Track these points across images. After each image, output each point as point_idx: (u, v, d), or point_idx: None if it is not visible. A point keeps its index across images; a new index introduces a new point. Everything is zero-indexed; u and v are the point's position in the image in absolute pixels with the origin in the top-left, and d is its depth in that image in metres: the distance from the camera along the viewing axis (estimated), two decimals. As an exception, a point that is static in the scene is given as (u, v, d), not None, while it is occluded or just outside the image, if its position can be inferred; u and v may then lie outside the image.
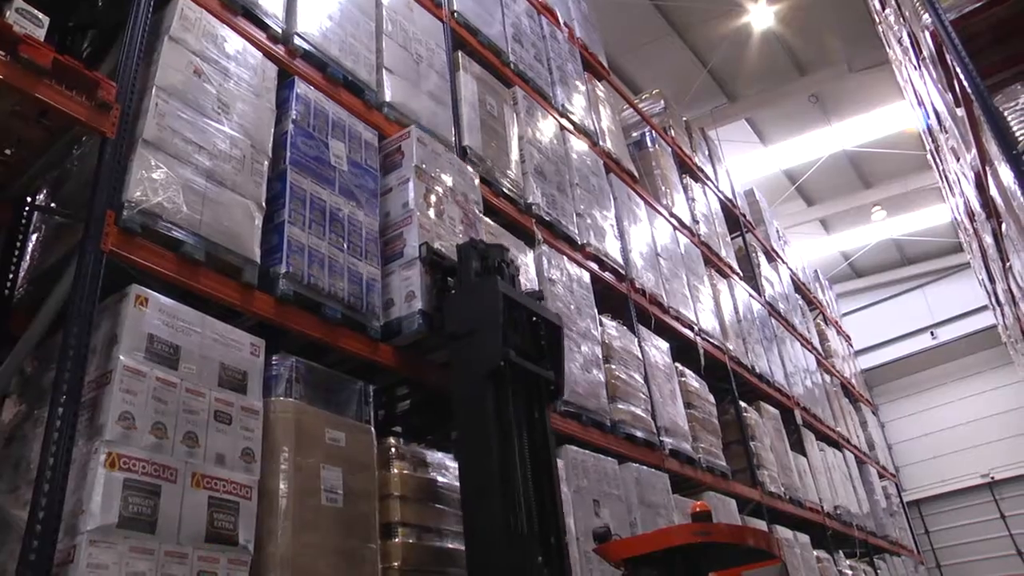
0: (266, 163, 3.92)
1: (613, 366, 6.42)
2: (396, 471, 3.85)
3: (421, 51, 5.62)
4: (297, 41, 4.57)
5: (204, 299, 3.45)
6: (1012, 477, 18.88)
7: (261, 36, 4.36)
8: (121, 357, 2.91)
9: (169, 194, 3.36)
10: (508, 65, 6.93)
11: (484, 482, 3.66)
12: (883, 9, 7.80)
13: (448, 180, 4.95)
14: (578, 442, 5.50)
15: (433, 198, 4.72)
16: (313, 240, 3.95)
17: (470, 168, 5.33)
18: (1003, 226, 5.23)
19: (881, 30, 9.47)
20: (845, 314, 20.68)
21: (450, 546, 3.93)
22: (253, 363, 3.41)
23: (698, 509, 3.84)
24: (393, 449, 3.92)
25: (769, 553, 3.98)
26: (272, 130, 4.07)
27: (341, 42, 4.88)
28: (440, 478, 4.07)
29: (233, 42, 4.08)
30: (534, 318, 4.26)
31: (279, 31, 4.50)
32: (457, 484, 4.10)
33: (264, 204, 3.81)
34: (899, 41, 7.34)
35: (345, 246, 4.14)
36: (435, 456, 4.15)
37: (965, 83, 4.15)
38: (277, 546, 3.15)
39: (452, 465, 4.19)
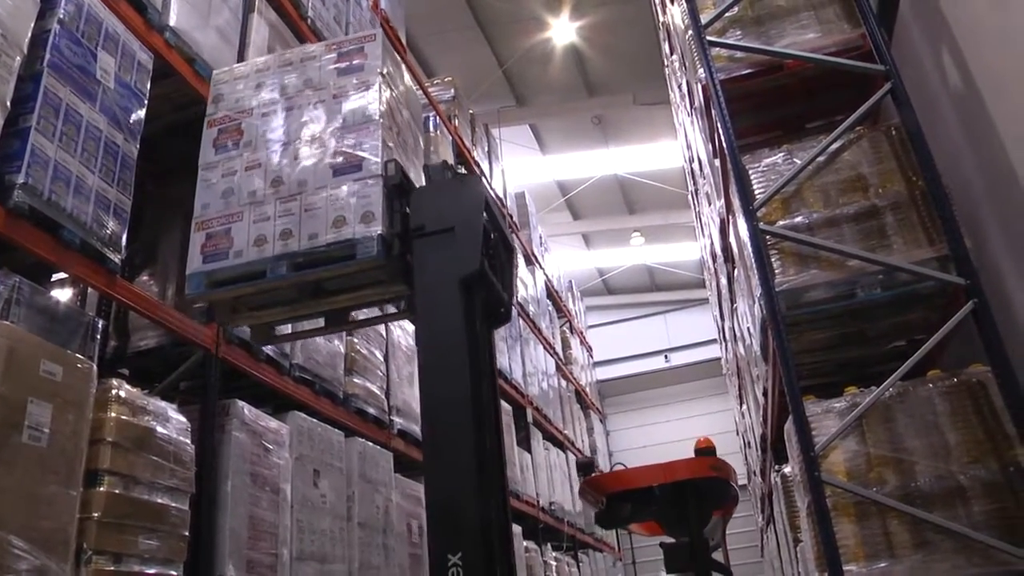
0: (18, 60, 3.51)
1: (356, 340, 6.40)
2: (113, 415, 3.59)
3: (218, -18, 5.31)
4: (80, -66, 4.14)
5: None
6: (703, 492, 21.14)
7: (35, -85, 3.89)
8: None
9: None
10: (305, 19, 6.66)
11: (454, 404, 3.19)
12: (671, 54, 8.37)
13: (405, 101, 4.42)
14: (308, 410, 5.43)
15: (393, 112, 4.16)
16: (62, 155, 3.61)
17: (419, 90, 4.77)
18: (736, 271, 5.81)
19: (667, 72, 10.16)
20: (591, 326, 21.88)
21: (159, 501, 3.75)
22: (-34, 276, 3.09)
23: (703, 444, 3.74)
24: (114, 391, 3.65)
25: (734, 501, 3.95)
26: (32, 25, 3.64)
27: (131, -51, 4.50)
28: (160, 428, 3.85)
29: (0, -86, 3.62)
30: (493, 235, 3.82)
31: (59, -86, 4.02)
32: (175, 436, 3.92)
33: (8, 104, 3.43)
34: (679, 86, 7.91)
35: (97, 168, 3.83)
36: (158, 405, 3.92)
37: (723, 138, 4.58)
38: (-41, 480, 2.85)
39: (175, 417, 4.00)
